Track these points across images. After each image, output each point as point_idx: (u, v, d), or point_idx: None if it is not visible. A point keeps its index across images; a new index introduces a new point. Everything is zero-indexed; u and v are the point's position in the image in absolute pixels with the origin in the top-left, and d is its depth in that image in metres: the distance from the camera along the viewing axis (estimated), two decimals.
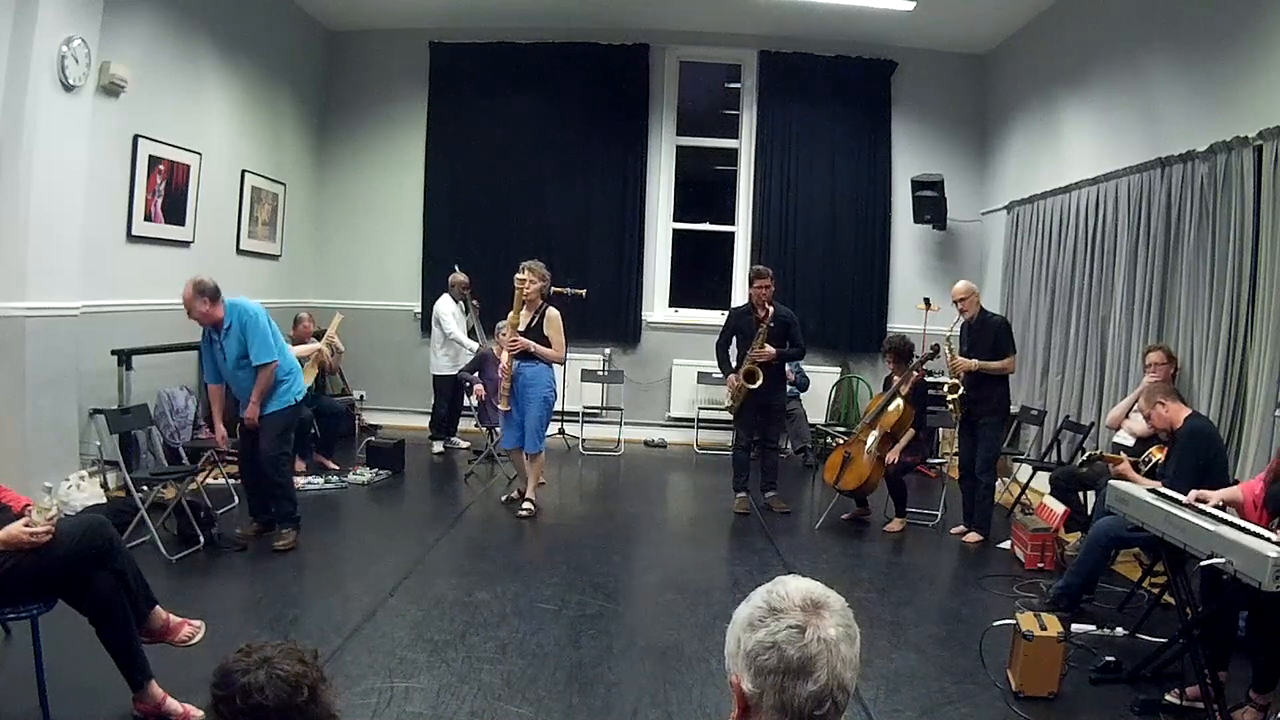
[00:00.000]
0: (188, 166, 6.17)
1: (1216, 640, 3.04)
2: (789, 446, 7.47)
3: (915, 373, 5.49)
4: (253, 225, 7.21)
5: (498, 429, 6.69)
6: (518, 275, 5.31)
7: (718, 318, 8.00)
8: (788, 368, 6.32)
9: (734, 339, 5.88)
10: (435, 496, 6.33)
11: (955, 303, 5.37)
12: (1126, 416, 4.96)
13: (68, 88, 4.67)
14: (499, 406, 5.48)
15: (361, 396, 8.14)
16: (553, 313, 5.41)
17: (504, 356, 5.39)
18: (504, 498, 5.82)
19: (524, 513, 5.46)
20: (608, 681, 3.24)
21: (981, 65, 8.25)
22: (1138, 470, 4.02)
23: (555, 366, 5.57)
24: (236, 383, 4.58)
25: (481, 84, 8.21)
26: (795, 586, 1.20)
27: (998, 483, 5.67)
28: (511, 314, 5.34)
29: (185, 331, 5.22)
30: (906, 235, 8.28)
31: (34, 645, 2.63)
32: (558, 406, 7.35)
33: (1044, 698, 3.15)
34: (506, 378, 5.34)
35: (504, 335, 5.47)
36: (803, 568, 4.64)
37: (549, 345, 5.36)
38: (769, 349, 5.64)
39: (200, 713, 2.64)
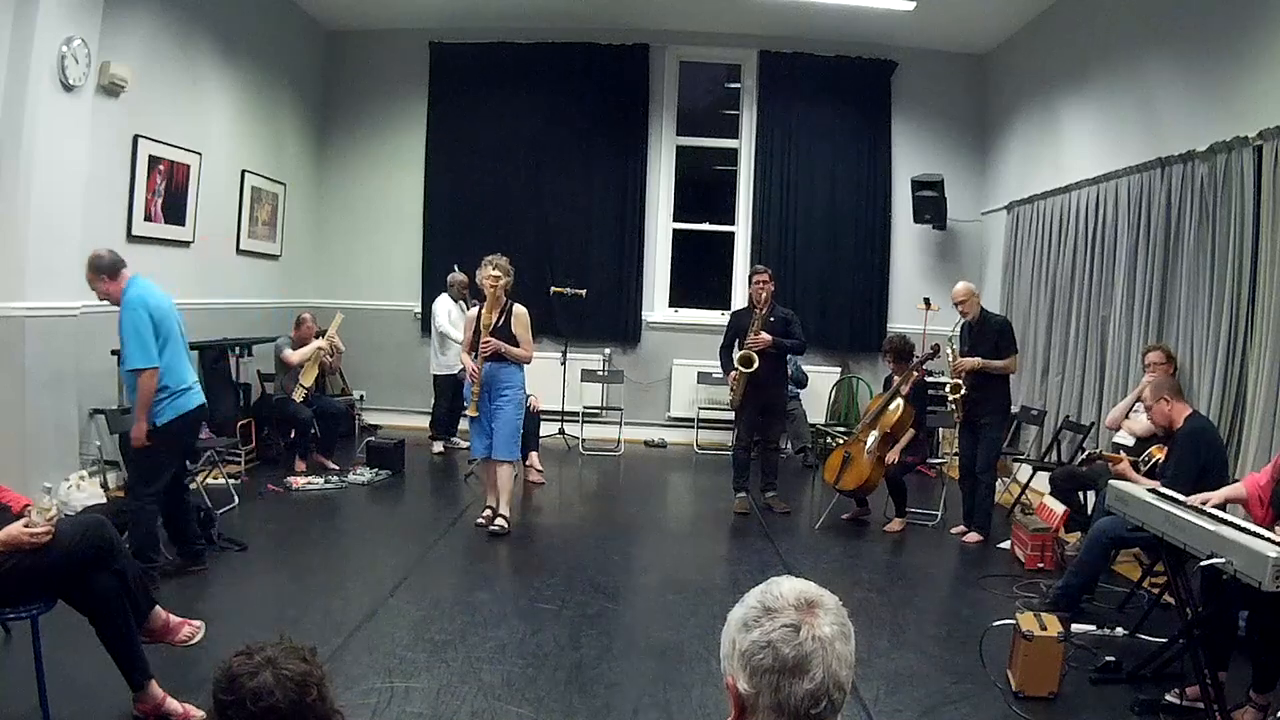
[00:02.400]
0: (188, 166, 6.17)
1: (1216, 640, 3.03)
2: (789, 446, 7.47)
3: (915, 373, 5.49)
4: (253, 225, 7.21)
5: None
6: (488, 273, 5.00)
7: (718, 318, 8.04)
8: (788, 365, 6.32)
9: (736, 340, 5.88)
10: (435, 496, 6.33)
11: (956, 305, 5.37)
12: (1126, 417, 4.96)
13: (68, 88, 4.67)
14: (466, 413, 5.11)
15: (361, 396, 8.15)
16: (520, 309, 5.11)
17: (467, 360, 5.08)
18: (478, 520, 5.19)
19: (496, 529, 5.01)
20: (608, 681, 3.24)
21: (981, 65, 8.25)
22: (1137, 470, 4.02)
23: (524, 367, 5.20)
24: (126, 381, 3.99)
25: (481, 84, 8.21)
26: (789, 587, 1.20)
27: (998, 483, 5.67)
28: (484, 313, 5.04)
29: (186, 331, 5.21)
30: (906, 235, 8.28)
31: (34, 645, 2.63)
32: (548, 406, 7.42)
33: (1044, 698, 3.15)
34: (476, 382, 4.99)
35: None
36: (803, 568, 4.64)
37: (517, 344, 5.06)
38: (765, 335, 5.64)
39: (200, 713, 2.64)
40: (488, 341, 4.96)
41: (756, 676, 1.13)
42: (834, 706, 1.12)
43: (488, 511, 5.18)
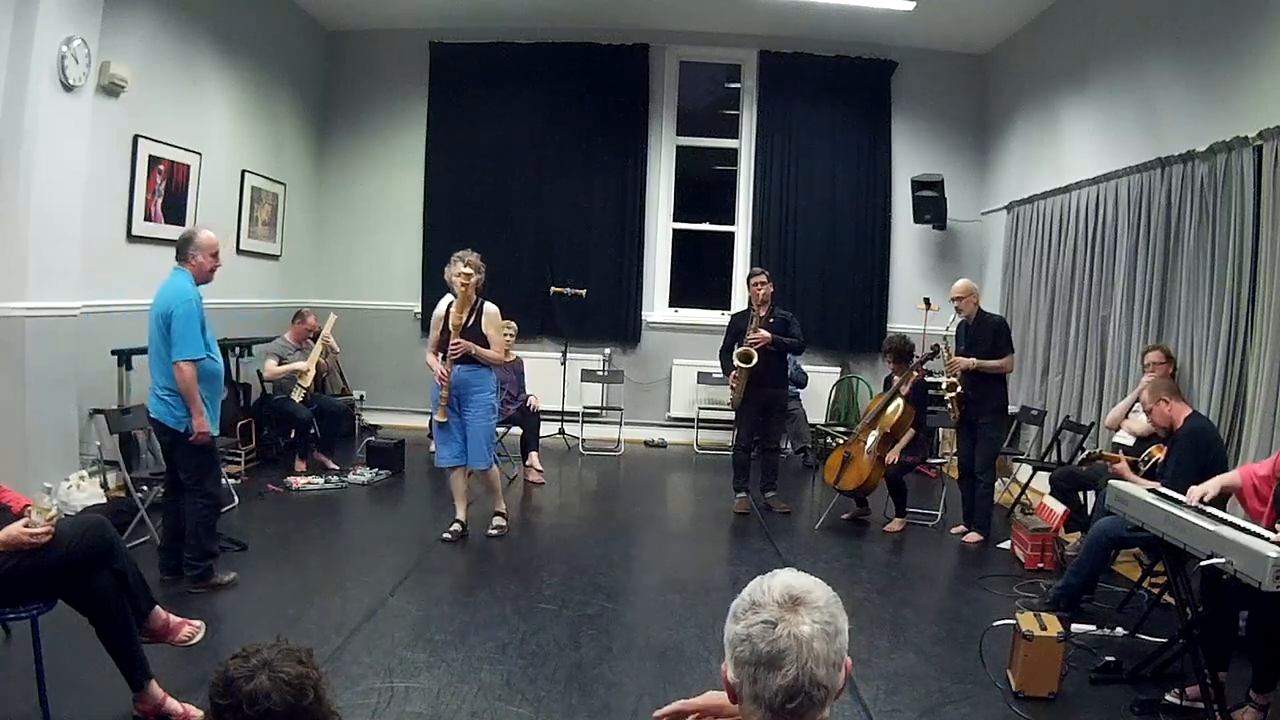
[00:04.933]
0: (188, 166, 6.17)
1: (1216, 640, 3.03)
2: (789, 446, 7.46)
3: (915, 373, 5.49)
4: (253, 225, 7.22)
5: (497, 429, 6.69)
6: (458, 270, 4.71)
7: (718, 318, 8.04)
8: (788, 364, 6.31)
9: (735, 343, 5.86)
10: (435, 496, 6.31)
11: (952, 300, 5.37)
12: (1126, 416, 4.96)
13: (68, 88, 4.67)
14: (435, 418, 4.84)
15: (361, 396, 8.14)
16: (491, 308, 4.85)
17: (436, 362, 4.81)
18: (444, 535, 4.90)
19: (495, 531, 4.94)
20: (608, 681, 3.24)
21: (981, 65, 8.25)
22: (1137, 470, 4.02)
23: (495, 369, 4.97)
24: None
25: (481, 84, 8.21)
26: (781, 581, 1.22)
27: (998, 483, 5.67)
28: (454, 313, 4.74)
29: None
30: (906, 235, 8.28)
31: (34, 645, 2.63)
32: (547, 406, 7.39)
33: (1044, 698, 3.15)
34: (445, 386, 4.73)
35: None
36: (803, 568, 4.50)
37: (488, 345, 4.81)
38: (764, 333, 5.62)
39: (200, 713, 2.64)
40: (457, 343, 4.70)
41: (739, 667, 1.16)
42: (812, 702, 1.13)
43: (456, 526, 4.91)
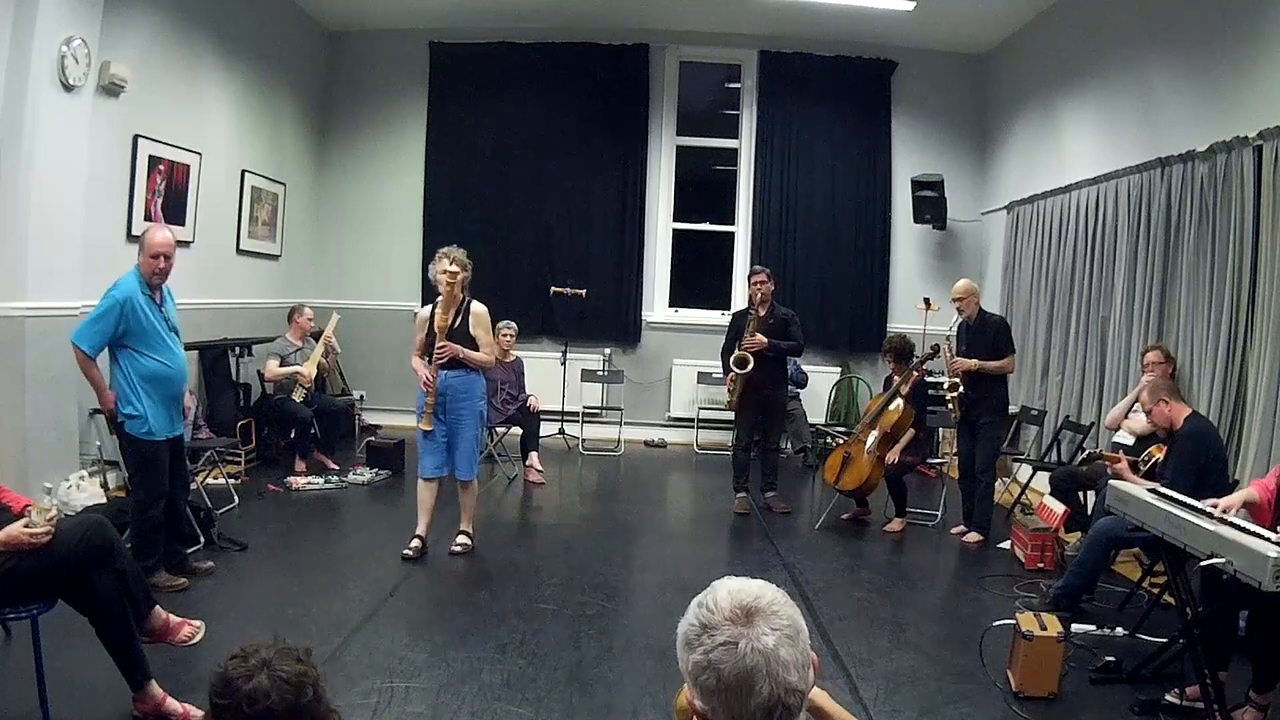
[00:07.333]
0: (188, 166, 6.17)
1: (1216, 640, 3.03)
2: (789, 446, 7.47)
3: (915, 373, 5.49)
4: (253, 225, 7.21)
5: (497, 429, 6.70)
6: (443, 268, 4.42)
7: (718, 318, 8.04)
8: (787, 365, 6.32)
9: (736, 342, 5.86)
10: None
11: (954, 301, 5.37)
12: (1125, 416, 4.96)
13: (68, 88, 4.67)
14: (421, 426, 4.57)
15: (361, 396, 8.14)
16: (479, 308, 4.55)
17: (421, 367, 4.51)
18: (405, 551, 4.57)
19: (458, 548, 4.62)
20: (608, 681, 3.24)
21: (981, 65, 8.25)
22: (1137, 470, 4.01)
23: (485, 373, 4.70)
24: (181, 362, 4.02)
25: (481, 84, 8.21)
26: (726, 594, 1.15)
27: (998, 483, 5.67)
28: (439, 314, 4.44)
29: (185, 331, 5.20)
30: (906, 235, 8.29)
31: (34, 645, 2.63)
32: (547, 406, 7.38)
33: (1044, 698, 3.15)
34: (430, 392, 4.45)
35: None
36: (803, 567, 4.64)
37: (476, 348, 4.51)
38: (760, 337, 5.62)
39: (200, 712, 2.64)
40: (444, 346, 4.40)
41: (707, 695, 1.11)
42: (790, 710, 1.09)
43: (416, 542, 4.56)
